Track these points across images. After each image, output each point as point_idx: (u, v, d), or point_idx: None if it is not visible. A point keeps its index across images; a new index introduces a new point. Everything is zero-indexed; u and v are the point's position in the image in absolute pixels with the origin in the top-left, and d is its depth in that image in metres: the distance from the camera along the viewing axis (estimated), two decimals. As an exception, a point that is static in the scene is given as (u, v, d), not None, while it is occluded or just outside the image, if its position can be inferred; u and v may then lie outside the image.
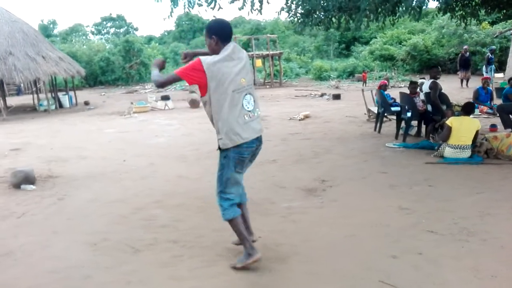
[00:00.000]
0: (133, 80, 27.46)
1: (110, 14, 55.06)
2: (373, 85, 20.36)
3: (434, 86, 7.01)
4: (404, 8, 5.86)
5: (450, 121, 5.80)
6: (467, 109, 5.99)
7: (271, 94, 17.48)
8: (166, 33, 66.25)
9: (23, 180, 5.07)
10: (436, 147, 6.08)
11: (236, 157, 2.83)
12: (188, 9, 5.45)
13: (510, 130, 6.71)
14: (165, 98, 14.01)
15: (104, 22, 57.57)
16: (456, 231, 3.41)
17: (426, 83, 7.26)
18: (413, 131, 7.51)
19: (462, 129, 5.66)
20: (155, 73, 2.89)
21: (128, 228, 3.77)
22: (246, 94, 2.83)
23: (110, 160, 6.53)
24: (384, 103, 7.73)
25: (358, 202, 4.25)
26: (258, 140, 2.92)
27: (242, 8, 6.47)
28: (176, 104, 14.44)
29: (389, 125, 8.46)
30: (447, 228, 3.49)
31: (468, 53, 15.99)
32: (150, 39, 46.19)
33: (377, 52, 27.69)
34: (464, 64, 16.18)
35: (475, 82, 15.65)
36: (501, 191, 4.36)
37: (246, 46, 25.05)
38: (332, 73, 25.89)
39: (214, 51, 2.84)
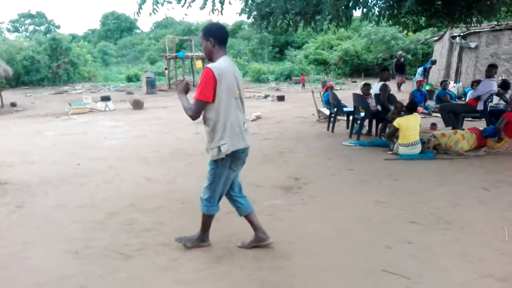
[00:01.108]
0: (60, 80, 25.74)
1: (29, 10, 51.05)
2: (311, 88, 21.14)
3: (384, 88, 7.48)
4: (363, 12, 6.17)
5: (397, 122, 6.20)
6: (411, 108, 6.44)
7: (214, 96, 17.32)
8: (90, 32, 63.04)
9: (-31, 187, 4.53)
10: (389, 146, 6.47)
11: (232, 156, 2.90)
12: (156, 6, 5.21)
13: (451, 128, 7.35)
14: (105, 99, 13.34)
15: (22, 19, 53.32)
16: (434, 221, 3.67)
17: (376, 85, 7.70)
18: (364, 130, 7.92)
19: (410, 128, 6.09)
20: (186, 105, 2.89)
21: (108, 234, 3.53)
22: (240, 103, 2.97)
23: (62, 164, 6.06)
24: (337, 104, 8.06)
25: (336, 197, 4.39)
26: (247, 149, 3.04)
27: (204, 8, 6.40)
28: (116, 105, 13.78)
29: (339, 125, 8.82)
30: (425, 218, 3.74)
31: (403, 58, 17.09)
32: (73, 38, 43.61)
33: (311, 57, 28.75)
34: (400, 69, 17.25)
35: (405, 86, 16.94)
36: (461, 183, 4.76)
37: (179, 47, 24.57)
38: (269, 75, 26.40)
39: (210, 53, 2.90)
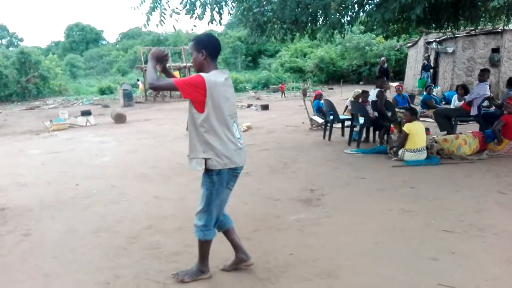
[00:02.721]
0: (30, 95, 24.74)
1: (-11, 23, 49.12)
2: (291, 96, 21.27)
3: (381, 95, 7.53)
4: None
5: (407, 127, 6.24)
6: (415, 114, 6.52)
7: (195, 107, 17.07)
8: (53, 44, 61.41)
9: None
10: (389, 153, 6.50)
11: (230, 172, 2.73)
12: (163, 17, 5.03)
13: (445, 132, 7.48)
14: (86, 113, 12.88)
15: (-18, 32, 51.31)
16: (467, 228, 3.65)
17: (372, 92, 7.75)
18: (362, 137, 7.93)
19: (419, 133, 6.15)
20: (152, 72, 2.66)
21: (135, 260, 3.30)
22: (234, 122, 2.76)
23: (58, 185, 5.71)
24: (334, 112, 8.06)
25: (359, 208, 4.32)
26: (242, 168, 2.84)
27: (201, 19, 6.27)
28: (95, 119, 13.32)
29: (333, 133, 8.79)
30: (457, 225, 3.71)
31: (386, 64, 17.32)
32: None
33: (287, 65, 29.01)
34: (383, 75, 17.49)
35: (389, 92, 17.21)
36: (475, 188, 4.80)
37: (146, 58, 24.00)
38: (246, 84, 26.42)
39: (201, 65, 2.69)
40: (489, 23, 9.33)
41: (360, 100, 7.66)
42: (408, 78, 20.17)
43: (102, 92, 27.95)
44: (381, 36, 27.31)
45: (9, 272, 3.20)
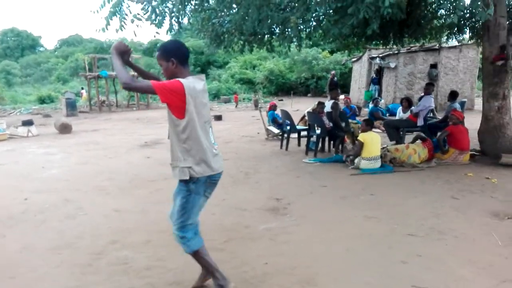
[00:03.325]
0: (-40, 104, 22.79)
1: None
2: (242, 107, 21.41)
3: (335, 106, 7.79)
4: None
5: (362, 137, 6.52)
6: (371, 124, 6.83)
7: (146, 117, 16.68)
8: (-16, 50, 57.43)
9: None
10: (345, 160, 6.75)
11: (207, 180, 2.67)
12: (124, 23, 4.86)
13: (394, 142, 7.89)
14: (27, 123, 12.06)
15: None
16: (429, 231, 3.85)
17: (328, 103, 8.00)
18: (318, 147, 8.13)
19: (373, 142, 6.43)
20: (122, 70, 2.43)
21: (104, 277, 3.12)
22: (210, 127, 2.75)
23: (5, 199, 5.28)
24: (291, 122, 8.21)
25: (326, 215, 4.41)
26: (220, 174, 2.80)
27: (160, 27, 6.18)
28: (37, 130, 12.53)
29: (290, 143, 8.95)
30: (419, 229, 3.91)
31: (335, 77, 17.91)
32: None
33: (237, 76, 29.19)
34: (334, 88, 18.12)
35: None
36: (429, 193, 5.09)
37: (91, 66, 22.97)
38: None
39: (174, 74, 2.59)
40: (431, 41, 10.01)
41: (317, 111, 7.88)
42: (353, 91, 21.09)
43: (41, 101, 26.39)
44: (327, 51, 28.56)
45: (-40, 296, 2.90)
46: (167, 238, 3.84)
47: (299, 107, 18.29)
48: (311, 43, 8.48)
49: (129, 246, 3.71)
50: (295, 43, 7.27)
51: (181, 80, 2.48)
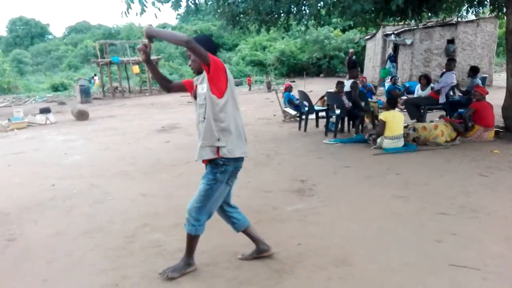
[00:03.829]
0: (-24, 94, 23.09)
1: None
2: (254, 89, 21.28)
3: (355, 86, 7.67)
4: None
5: (384, 116, 6.42)
6: (393, 103, 6.72)
7: (159, 102, 16.70)
8: (-7, 39, 57.77)
9: None
10: (368, 140, 6.67)
11: (233, 170, 2.71)
12: (145, 6, 4.81)
13: (415, 120, 7.76)
14: (45, 111, 12.17)
15: None
16: (460, 210, 3.80)
17: (346, 82, 7.88)
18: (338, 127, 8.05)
19: (395, 121, 6.33)
20: (172, 32, 2.67)
21: (140, 260, 3.16)
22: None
23: (32, 187, 5.36)
24: (309, 103, 8.13)
25: (352, 196, 4.38)
26: (243, 160, 2.82)
27: (177, 9, 6.09)
28: (54, 117, 12.65)
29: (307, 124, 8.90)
30: (450, 208, 3.86)
31: (354, 56, 17.53)
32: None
33: (247, 58, 28.92)
34: (353, 66, 17.83)
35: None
36: (457, 172, 5.02)
37: (102, 52, 23.06)
38: (208, 78, 26.09)
39: (201, 66, 2.60)
40: (450, 15, 9.74)
41: (336, 91, 7.77)
42: (367, 69, 20.77)
43: (55, 88, 26.58)
44: (339, 29, 28.02)
45: (4, 280, 2.96)
46: (196, 221, 3.86)
47: (312, 88, 18.09)
48: (329, 21, 8.29)
49: (160, 229, 3.74)
50: (312, 22, 7.14)
51: (220, 60, 2.54)
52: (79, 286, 2.82)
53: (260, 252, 3.00)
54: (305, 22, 6.54)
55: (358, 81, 7.83)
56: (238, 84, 23.47)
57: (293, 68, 27.54)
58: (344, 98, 7.65)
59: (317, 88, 18.50)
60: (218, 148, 2.60)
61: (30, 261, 3.23)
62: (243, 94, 18.61)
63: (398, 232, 3.41)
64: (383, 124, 6.34)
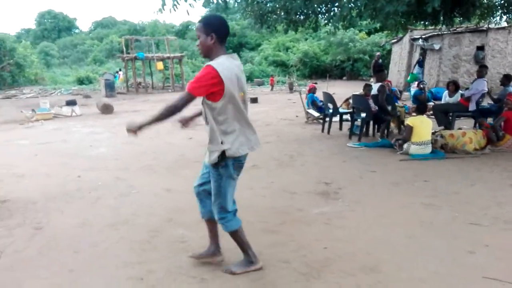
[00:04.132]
0: (5, 84, 23.71)
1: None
2: (277, 90, 21.22)
3: (382, 89, 7.53)
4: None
5: (411, 121, 6.29)
6: (422, 109, 6.57)
7: (182, 99, 16.73)
8: (23, 32, 59.26)
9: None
10: (394, 146, 6.54)
11: (235, 164, 2.66)
12: (177, 2, 4.83)
13: (443, 127, 7.57)
14: (71, 103, 12.40)
15: None
16: (493, 221, 3.67)
17: (374, 86, 7.74)
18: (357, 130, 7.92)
19: (423, 127, 6.18)
20: (158, 113, 2.57)
21: (164, 254, 3.16)
22: (246, 107, 2.69)
23: (59, 177, 5.45)
24: (334, 105, 8.03)
25: (380, 201, 4.29)
26: (246, 157, 2.75)
27: (207, 6, 6.09)
28: (80, 109, 12.88)
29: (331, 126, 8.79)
30: (483, 218, 3.73)
31: (380, 59, 17.26)
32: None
33: (270, 58, 28.87)
34: (380, 70, 17.56)
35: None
36: (488, 181, 4.86)
37: (127, 47, 23.45)
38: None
39: (209, 50, 2.54)
40: (482, 21, 9.48)
41: (363, 93, 7.66)
42: (392, 73, 20.44)
43: (80, 81, 27.11)
44: (364, 32, 27.69)
45: (31, 268, 3.00)
46: (220, 219, 3.84)
47: (334, 90, 17.90)
48: (356, 23, 8.17)
49: (184, 225, 3.74)
50: (341, 23, 7.05)
51: (214, 66, 2.41)
52: (105, 278, 2.84)
53: (211, 255, 2.98)
54: (335, 24, 6.44)
55: (385, 85, 7.67)
56: (260, 84, 23.49)
57: (316, 70, 27.35)
58: (371, 101, 7.52)
59: (340, 90, 18.26)
60: (224, 150, 2.56)
61: (56, 250, 3.27)
62: (265, 94, 18.57)
63: (428, 241, 3.31)
64: (410, 129, 6.21)
